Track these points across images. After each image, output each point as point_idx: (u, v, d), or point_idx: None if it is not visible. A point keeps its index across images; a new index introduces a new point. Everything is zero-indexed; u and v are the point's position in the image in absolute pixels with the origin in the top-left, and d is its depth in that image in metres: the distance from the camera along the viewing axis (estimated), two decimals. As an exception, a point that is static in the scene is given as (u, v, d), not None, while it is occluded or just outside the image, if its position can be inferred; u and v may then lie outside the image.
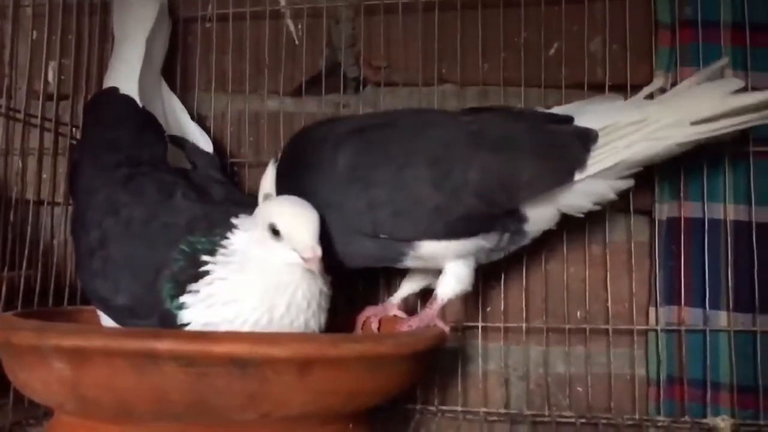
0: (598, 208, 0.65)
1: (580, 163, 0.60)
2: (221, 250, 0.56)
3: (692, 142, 0.62)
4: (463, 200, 0.58)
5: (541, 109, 0.67)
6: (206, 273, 0.55)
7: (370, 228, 0.59)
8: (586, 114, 0.63)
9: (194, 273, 0.55)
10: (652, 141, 0.61)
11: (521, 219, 0.62)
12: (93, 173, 0.65)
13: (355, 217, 0.59)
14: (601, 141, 0.60)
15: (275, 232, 0.54)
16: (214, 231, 0.57)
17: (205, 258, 0.56)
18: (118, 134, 0.68)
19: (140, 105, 0.70)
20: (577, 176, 0.60)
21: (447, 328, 0.61)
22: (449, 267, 0.62)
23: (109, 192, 0.62)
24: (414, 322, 0.62)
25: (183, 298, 0.55)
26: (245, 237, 0.56)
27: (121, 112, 0.70)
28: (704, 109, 0.60)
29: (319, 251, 0.53)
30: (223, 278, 0.55)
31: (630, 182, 0.64)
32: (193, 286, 0.55)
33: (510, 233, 0.62)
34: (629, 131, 0.60)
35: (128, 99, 0.71)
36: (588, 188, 0.62)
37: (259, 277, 0.55)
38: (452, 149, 0.60)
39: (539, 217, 0.63)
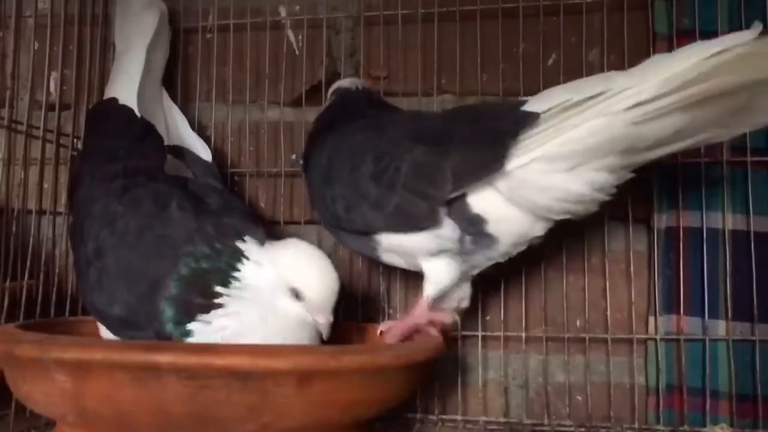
0: (579, 209, 0.58)
1: (508, 149, 0.55)
2: (235, 283, 0.55)
3: (662, 128, 0.52)
4: (396, 192, 0.59)
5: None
6: (220, 305, 0.55)
7: (334, 221, 0.65)
8: (544, 95, 0.57)
9: (207, 303, 0.54)
10: (608, 119, 0.52)
11: (476, 219, 0.59)
12: (91, 184, 0.66)
13: (325, 211, 0.66)
14: (543, 125, 0.54)
15: (297, 295, 0.55)
16: (221, 258, 0.56)
17: (218, 289, 0.55)
18: (115, 145, 0.68)
19: (138, 115, 0.71)
20: (509, 164, 0.55)
21: (434, 331, 0.62)
22: (424, 266, 0.62)
23: (106, 203, 0.63)
24: (398, 330, 0.62)
25: (191, 326, 0.54)
26: (256, 272, 0.56)
27: (119, 123, 0.70)
28: (682, 73, 0.49)
29: (331, 319, 0.56)
30: (237, 312, 0.55)
31: (613, 176, 0.56)
32: (204, 317, 0.54)
33: (471, 235, 0.59)
34: (582, 108, 0.53)
35: (126, 109, 0.71)
36: (548, 182, 0.56)
37: (271, 317, 0.55)
38: (397, 145, 0.61)
39: (499, 216, 0.59)
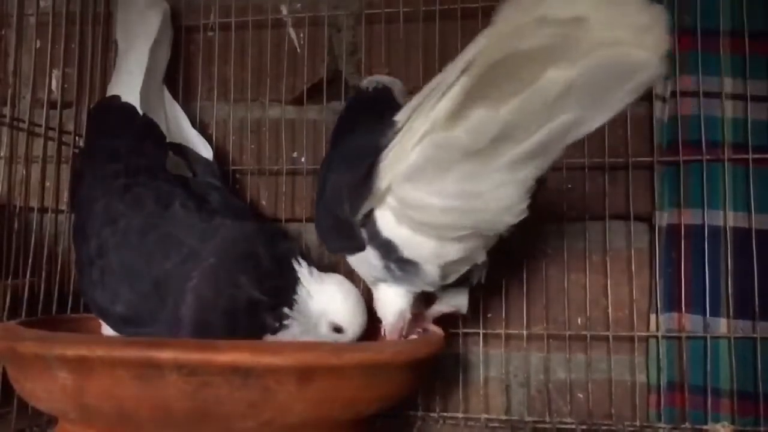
0: (480, 225, 0.49)
1: (374, 164, 0.49)
2: (296, 306, 0.58)
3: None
4: (328, 215, 0.59)
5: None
6: (285, 327, 0.57)
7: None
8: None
9: (275, 326, 0.57)
10: (431, 125, 0.43)
11: (388, 244, 0.54)
12: (92, 183, 0.66)
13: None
14: (397, 135, 0.47)
15: (337, 329, 0.59)
16: (284, 283, 0.58)
17: (286, 311, 0.57)
18: (117, 143, 0.68)
19: (141, 113, 0.71)
20: (382, 181, 0.49)
21: (436, 328, 0.63)
22: (374, 295, 0.62)
23: (108, 202, 0.63)
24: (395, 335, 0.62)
25: None
26: (307, 300, 0.58)
27: (121, 121, 0.70)
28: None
29: None
30: (294, 335, 0.58)
31: (487, 184, 0.45)
32: (269, 337, 0.57)
33: (395, 263, 0.55)
34: (415, 113, 0.45)
35: (128, 107, 0.71)
36: (418, 199, 0.48)
37: None
38: (330, 169, 0.60)
39: (404, 240, 0.53)
